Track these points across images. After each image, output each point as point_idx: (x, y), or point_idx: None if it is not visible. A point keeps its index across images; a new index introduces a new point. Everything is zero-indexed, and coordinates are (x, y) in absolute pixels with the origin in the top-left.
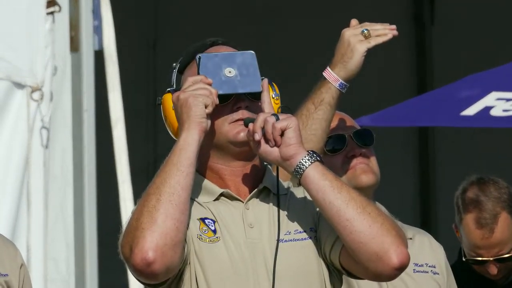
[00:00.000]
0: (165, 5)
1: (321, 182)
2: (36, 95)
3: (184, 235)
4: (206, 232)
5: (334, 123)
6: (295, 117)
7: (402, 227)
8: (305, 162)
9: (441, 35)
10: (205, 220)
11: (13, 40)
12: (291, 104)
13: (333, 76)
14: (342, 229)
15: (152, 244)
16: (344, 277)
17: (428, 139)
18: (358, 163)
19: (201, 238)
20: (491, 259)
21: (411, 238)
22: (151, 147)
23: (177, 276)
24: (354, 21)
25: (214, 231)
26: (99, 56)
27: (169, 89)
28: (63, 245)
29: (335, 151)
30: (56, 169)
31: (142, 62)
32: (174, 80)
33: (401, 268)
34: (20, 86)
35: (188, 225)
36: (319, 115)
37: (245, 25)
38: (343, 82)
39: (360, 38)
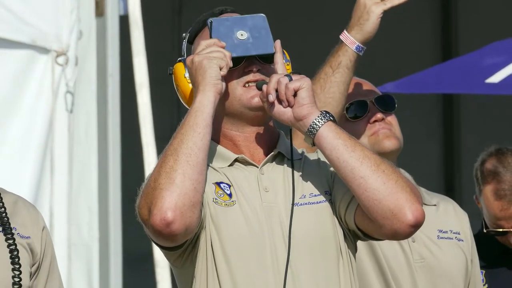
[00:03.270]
0: None
1: (334, 141)
2: (61, 60)
3: (202, 196)
4: (222, 196)
5: (355, 90)
6: (308, 78)
7: (426, 194)
8: (318, 121)
9: (466, 3)
10: (221, 184)
11: (39, 5)
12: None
13: (350, 39)
14: (356, 187)
15: (171, 204)
16: (368, 243)
17: (453, 105)
18: (380, 128)
19: (216, 201)
20: None
21: (435, 205)
22: (175, 113)
23: (193, 240)
24: None
25: (230, 195)
26: (124, 21)
27: (180, 58)
28: (86, 210)
29: (357, 117)
30: (80, 134)
31: (167, 27)
32: (185, 50)
33: (417, 225)
34: (45, 50)
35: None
36: (336, 78)
37: None
38: (359, 44)
39: (376, 0)
